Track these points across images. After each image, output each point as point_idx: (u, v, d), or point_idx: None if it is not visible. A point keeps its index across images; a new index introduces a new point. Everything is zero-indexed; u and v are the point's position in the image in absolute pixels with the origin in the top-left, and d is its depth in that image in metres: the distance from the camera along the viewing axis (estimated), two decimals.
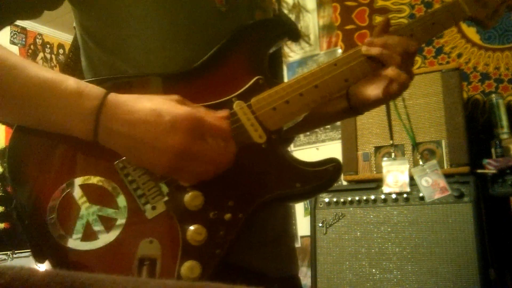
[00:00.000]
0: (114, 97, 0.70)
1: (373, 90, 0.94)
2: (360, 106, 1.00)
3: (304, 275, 2.54)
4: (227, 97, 0.80)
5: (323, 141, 2.84)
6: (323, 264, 1.97)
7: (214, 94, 0.79)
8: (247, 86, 0.81)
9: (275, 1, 0.97)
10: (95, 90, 0.70)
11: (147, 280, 0.40)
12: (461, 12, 0.98)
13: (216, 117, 0.74)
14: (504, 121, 2.11)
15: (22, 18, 0.82)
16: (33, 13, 0.82)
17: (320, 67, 0.87)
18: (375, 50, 0.88)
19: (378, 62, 0.89)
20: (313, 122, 1.09)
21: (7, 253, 2.88)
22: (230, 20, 0.87)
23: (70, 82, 0.70)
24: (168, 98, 0.72)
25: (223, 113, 0.77)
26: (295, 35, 0.89)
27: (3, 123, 0.81)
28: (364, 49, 0.89)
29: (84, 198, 0.71)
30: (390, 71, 0.89)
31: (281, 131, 0.82)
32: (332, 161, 0.81)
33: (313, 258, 2.00)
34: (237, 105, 0.79)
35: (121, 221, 0.71)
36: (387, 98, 0.94)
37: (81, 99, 0.69)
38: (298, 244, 2.78)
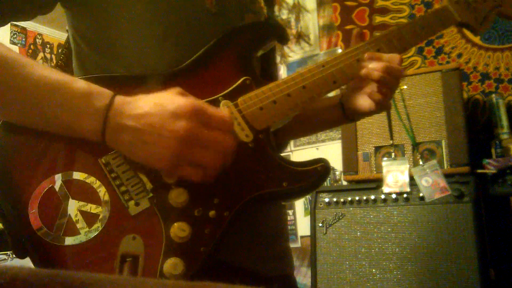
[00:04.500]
0: (121, 97, 0.71)
1: (366, 101, 0.97)
2: (355, 116, 1.03)
3: (304, 275, 2.54)
4: (214, 97, 0.80)
5: (323, 141, 2.84)
6: (323, 264, 1.97)
7: (201, 94, 0.78)
8: (234, 86, 0.82)
9: (264, 5, 0.98)
10: (104, 91, 0.71)
11: (146, 280, 0.40)
12: (450, 18, 0.99)
13: (218, 110, 0.74)
14: (504, 121, 2.11)
15: (16, 20, 0.84)
16: (25, 17, 0.83)
17: (308, 68, 0.87)
18: (376, 75, 0.90)
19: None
20: (310, 127, 1.13)
21: (7, 253, 2.88)
22: (220, 21, 0.88)
23: (80, 83, 0.71)
24: (170, 92, 0.72)
25: (226, 110, 0.77)
26: (283, 38, 0.90)
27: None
28: (364, 72, 0.91)
29: (67, 194, 0.71)
30: (381, 93, 0.93)
31: (268, 130, 0.82)
32: (320, 161, 0.81)
33: (313, 258, 2.00)
34: (224, 104, 0.80)
35: (103, 217, 0.70)
36: (381, 110, 0.98)
37: (91, 99, 0.70)
38: (298, 244, 2.78)
